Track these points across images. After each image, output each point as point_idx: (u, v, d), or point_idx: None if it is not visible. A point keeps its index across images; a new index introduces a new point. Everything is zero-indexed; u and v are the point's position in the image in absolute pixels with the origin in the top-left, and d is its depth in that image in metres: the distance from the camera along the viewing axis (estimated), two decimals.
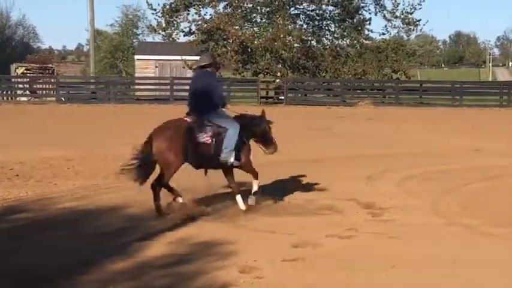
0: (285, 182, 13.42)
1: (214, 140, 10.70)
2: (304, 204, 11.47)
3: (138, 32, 79.18)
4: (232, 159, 10.87)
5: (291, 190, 12.62)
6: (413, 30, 47.47)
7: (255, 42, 44.98)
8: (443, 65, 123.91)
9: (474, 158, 17.86)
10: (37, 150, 17.74)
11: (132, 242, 8.98)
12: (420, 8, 46.82)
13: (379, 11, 46.99)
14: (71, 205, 11.41)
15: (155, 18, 48.04)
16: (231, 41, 45.10)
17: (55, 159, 16.37)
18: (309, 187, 12.98)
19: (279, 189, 12.41)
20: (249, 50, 45.63)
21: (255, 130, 11.21)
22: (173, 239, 9.20)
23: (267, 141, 11.35)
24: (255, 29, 47.11)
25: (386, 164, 16.24)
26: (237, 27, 45.56)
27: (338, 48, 47.19)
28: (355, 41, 46.96)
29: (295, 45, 45.96)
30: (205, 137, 10.70)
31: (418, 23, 46.90)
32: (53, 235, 9.43)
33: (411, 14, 46.69)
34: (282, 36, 44.58)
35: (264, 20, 47.43)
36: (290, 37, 45.18)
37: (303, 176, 14.04)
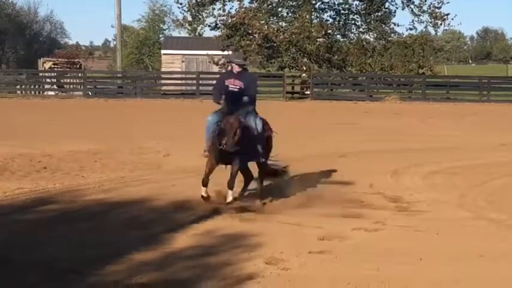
0: (311, 176, 13.37)
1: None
2: (330, 198, 11.45)
3: (164, 28, 79.36)
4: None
5: (318, 184, 12.63)
6: (441, 24, 46.89)
7: (280, 37, 44.83)
8: (470, 61, 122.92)
9: (501, 153, 17.72)
10: (64, 143, 17.85)
11: (158, 234, 9.03)
12: (448, 2, 46.43)
13: (407, 5, 46.64)
14: (98, 197, 11.49)
15: (181, 12, 48.14)
16: (256, 36, 45.00)
17: (82, 153, 16.48)
18: (335, 181, 12.98)
19: (305, 183, 12.39)
20: (274, 44, 45.53)
21: None
22: (200, 231, 9.24)
23: None
24: (280, 23, 46.98)
25: (413, 159, 16.17)
26: (262, 21, 45.47)
27: (364, 43, 46.97)
28: (380, 35, 46.66)
29: (320, 39, 45.74)
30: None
31: (446, 17, 46.38)
32: (81, 227, 9.50)
33: (439, 8, 46.28)
34: (306, 30, 44.44)
35: (290, 14, 47.30)
36: (313, 30, 44.98)
37: (330, 170, 14.02)
